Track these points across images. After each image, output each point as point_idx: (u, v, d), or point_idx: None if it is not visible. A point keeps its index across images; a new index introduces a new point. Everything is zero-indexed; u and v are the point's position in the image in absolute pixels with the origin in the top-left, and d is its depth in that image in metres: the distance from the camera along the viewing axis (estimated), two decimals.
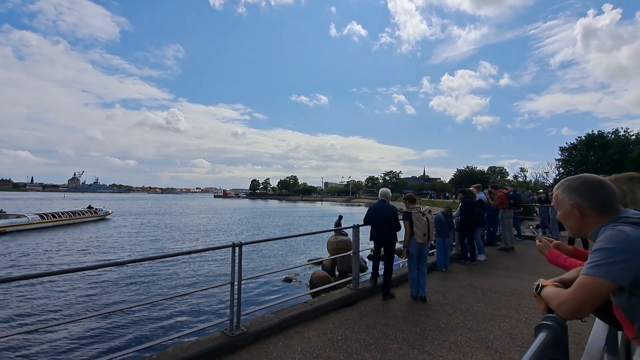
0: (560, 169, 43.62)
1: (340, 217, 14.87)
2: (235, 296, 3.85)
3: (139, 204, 70.26)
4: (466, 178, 64.95)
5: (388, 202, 5.49)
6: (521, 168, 59.43)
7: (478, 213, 7.73)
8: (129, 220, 35.26)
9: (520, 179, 56.32)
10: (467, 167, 75.69)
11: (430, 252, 6.10)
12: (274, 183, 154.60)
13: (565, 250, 1.94)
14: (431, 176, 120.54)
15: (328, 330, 4.11)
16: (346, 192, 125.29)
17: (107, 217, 36.53)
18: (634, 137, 37.65)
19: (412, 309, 4.80)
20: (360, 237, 5.72)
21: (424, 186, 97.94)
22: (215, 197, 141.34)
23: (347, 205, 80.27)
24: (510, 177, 68.62)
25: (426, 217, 5.02)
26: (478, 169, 75.35)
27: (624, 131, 39.18)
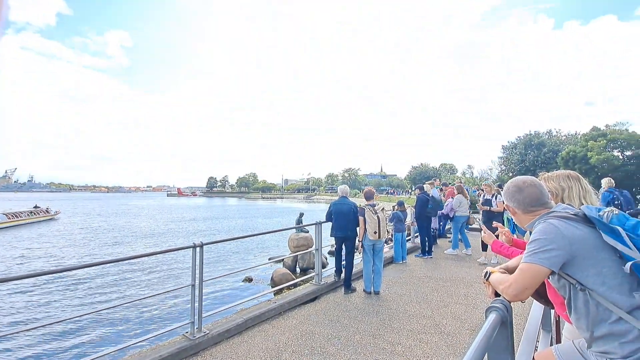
0: (502, 166, 47.58)
1: (301, 215, 14.93)
2: (197, 298, 3.75)
3: (84, 205, 64.57)
4: (420, 174, 68.46)
5: (347, 198, 5.65)
6: (468, 165, 63.92)
7: (432, 208, 8.22)
8: (76, 221, 32.46)
9: (467, 176, 60.64)
10: (421, 163, 79.80)
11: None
12: (232, 180, 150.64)
13: (507, 240, 2.17)
14: (388, 173, 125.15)
15: (292, 327, 4.16)
16: (306, 189, 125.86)
17: (56, 217, 34.76)
18: (564, 137, 42.27)
19: (372, 301, 5.00)
20: (322, 233, 5.84)
21: (381, 182, 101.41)
22: (168, 195, 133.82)
23: (308, 202, 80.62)
24: (459, 174, 73.58)
25: (377, 215, 5.21)
26: (431, 165, 79.74)
27: (556, 132, 43.81)
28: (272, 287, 9.77)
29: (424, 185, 8.62)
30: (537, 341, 2.40)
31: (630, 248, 1.22)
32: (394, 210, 7.95)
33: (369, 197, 5.57)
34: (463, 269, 6.68)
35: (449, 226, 10.23)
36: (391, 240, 8.08)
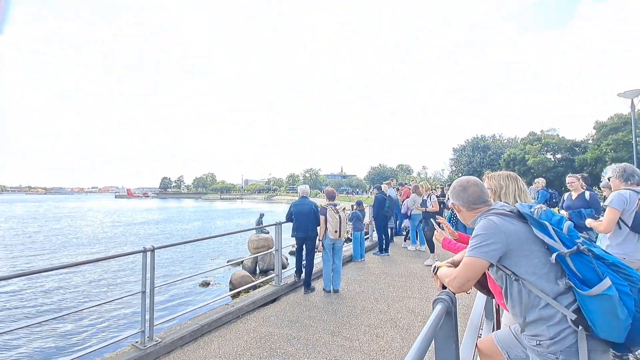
0: (453, 167, 50.75)
1: (262, 215, 14.73)
2: (148, 305, 3.54)
3: (13, 208, 57.88)
4: (379, 175, 70.75)
5: (308, 198, 5.68)
6: (423, 166, 67.36)
7: (389, 207, 8.53)
8: (8, 227, 28.90)
9: (422, 176, 63.85)
10: (380, 164, 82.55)
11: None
12: (188, 181, 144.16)
13: (453, 236, 2.33)
14: (348, 173, 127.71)
15: (251, 329, 4.09)
16: (267, 189, 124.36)
17: None
18: (506, 141, 46.09)
19: (331, 299, 5.07)
20: (282, 234, 5.81)
21: (341, 183, 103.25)
22: (117, 197, 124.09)
23: (269, 202, 79.61)
24: (414, 174, 77.18)
25: (339, 215, 5.32)
26: (389, 166, 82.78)
27: (499, 136, 47.68)
28: (231, 290, 9.52)
29: (382, 185, 8.93)
30: (481, 329, 2.61)
31: (555, 240, 1.37)
32: (353, 209, 8.14)
33: (330, 196, 5.66)
34: (417, 265, 7.01)
35: (404, 224, 10.70)
36: (350, 240, 8.26)
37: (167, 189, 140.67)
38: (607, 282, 1.25)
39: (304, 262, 5.61)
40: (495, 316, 2.41)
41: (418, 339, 1.06)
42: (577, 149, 24.91)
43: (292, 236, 5.60)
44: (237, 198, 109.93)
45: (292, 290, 5.59)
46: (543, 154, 26.13)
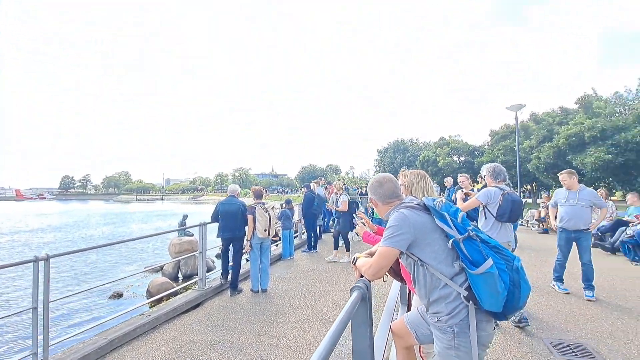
0: (377, 167, 54.30)
1: (185, 217, 13.79)
2: (41, 322, 3.04)
3: None
4: (309, 174, 72.02)
5: (237, 197, 5.51)
6: (351, 166, 70.66)
7: (317, 205, 8.75)
8: None
9: (350, 175, 66.98)
10: (310, 164, 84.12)
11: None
12: (97, 180, 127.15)
13: (372, 229, 2.51)
14: (279, 173, 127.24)
15: (170, 339, 3.80)
16: (192, 189, 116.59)
17: None
18: (421, 144, 50.98)
19: (259, 299, 5.00)
20: (207, 235, 5.52)
21: (272, 182, 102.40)
22: (1, 200, 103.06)
23: (194, 203, 74.67)
24: (342, 174, 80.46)
25: (268, 213, 5.29)
26: (319, 166, 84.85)
27: (416, 139, 52.62)
28: (148, 298, 8.70)
29: (311, 184, 9.11)
30: (397, 313, 2.86)
31: (452, 228, 1.57)
32: (282, 208, 8.14)
33: (258, 195, 5.56)
34: (345, 259, 7.33)
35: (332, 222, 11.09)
36: (279, 239, 8.25)
37: (70, 190, 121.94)
38: (489, 262, 1.48)
39: (230, 264, 5.42)
40: (408, 300, 2.67)
41: (334, 323, 1.12)
42: (476, 152, 28.91)
43: (217, 237, 5.37)
44: (157, 199, 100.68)
45: (218, 293, 5.36)
46: (450, 157, 29.67)
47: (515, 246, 4.54)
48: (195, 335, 3.88)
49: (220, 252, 5.96)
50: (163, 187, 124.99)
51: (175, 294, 5.52)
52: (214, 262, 11.72)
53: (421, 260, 1.61)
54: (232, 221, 5.22)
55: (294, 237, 8.71)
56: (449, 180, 8.69)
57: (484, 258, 1.50)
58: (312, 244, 8.34)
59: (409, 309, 2.59)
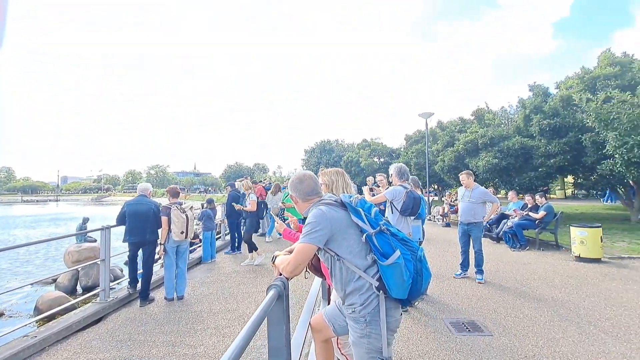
0: (304, 166, 55.12)
1: (86, 220, 12.06)
2: None
3: None
4: (235, 173, 69.50)
5: (148, 197, 5.00)
6: (278, 165, 70.35)
7: (242, 205, 8.47)
8: None
9: (277, 175, 66.73)
10: (237, 162, 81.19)
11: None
12: None
13: (296, 227, 2.52)
14: (202, 171, 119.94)
15: None
16: (97, 188, 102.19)
17: None
18: (346, 145, 53.46)
19: (174, 307, 4.63)
20: (113, 241, 4.90)
21: (194, 181, 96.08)
22: None
23: (99, 204, 65.48)
24: (270, 173, 79.72)
25: (186, 214, 4.92)
26: (245, 165, 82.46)
27: (341, 141, 55.05)
28: (36, 317, 7.34)
29: (235, 183, 8.78)
30: (318, 308, 2.92)
31: (365, 223, 1.66)
32: (203, 208, 7.68)
33: (174, 194, 5.12)
34: (267, 259, 7.24)
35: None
36: (200, 241, 7.76)
37: None
38: (397, 253, 1.60)
39: (140, 271, 4.90)
40: (328, 295, 2.75)
41: (247, 324, 1.08)
42: (394, 154, 31.49)
43: (124, 241, 4.80)
44: (50, 200, 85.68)
45: (125, 305, 4.80)
46: (372, 158, 31.78)
47: (423, 239, 5.06)
48: (95, 354, 3.40)
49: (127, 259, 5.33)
50: (58, 186, 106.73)
51: (72, 308, 4.76)
52: (122, 271, 10.46)
53: (337, 255, 1.67)
54: (141, 223, 4.72)
55: (217, 239, 8.30)
56: (370, 180, 9.27)
57: (392, 250, 1.62)
58: (236, 244, 8.05)
59: (329, 304, 2.67)
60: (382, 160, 32.29)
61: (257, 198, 9.70)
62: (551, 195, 25.55)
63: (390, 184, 5.30)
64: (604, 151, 9.28)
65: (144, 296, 4.75)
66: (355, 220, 1.66)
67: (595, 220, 9.30)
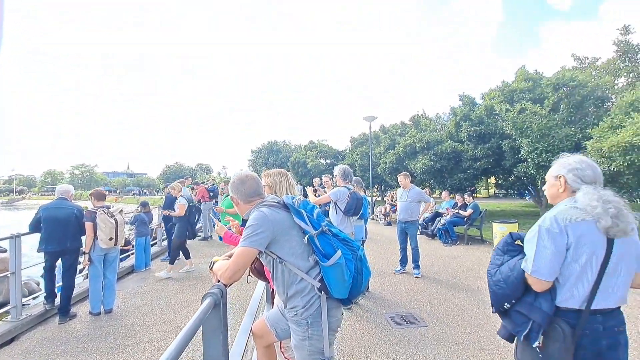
0: (251, 167, 53.91)
1: None
2: None
3: None
4: (174, 174, 65.24)
5: (69, 200, 4.45)
6: (223, 166, 67.81)
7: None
8: None
9: (222, 175, 64.26)
10: (177, 162, 76.24)
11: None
12: None
13: (237, 230, 2.43)
14: (136, 171, 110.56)
15: None
16: (8, 190, 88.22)
17: None
18: (293, 146, 53.50)
19: (101, 322, 4.18)
20: (27, 250, 4.27)
21: (127, 182, 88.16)
22: None
23: (10, 209, 56.48)
24: (214, 174, 76.40)
25: (115, 219, 4.46)
26: (187, 165, 77.87)
27: (288, 142, 54.95)
28: None
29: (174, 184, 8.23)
30: (262, 313, 2.86)
31: (308, 225, 1.66)
32: (137, 212, 7.08)
33: (99, 197, 4.61)
34: (205, 265, 6.91)
35: (200, 225, 10.35)
36: (132, 247, 7.14)
37: None
38: (338, 253, 1.63)
39: (59, 284, 4.34)
40: (272, 299, 2.70)
41: (179, 335, 1.01)
42: (339, 156, 32.31)
43: (39, 251, 4.22)
44: None
45: (42, 322, 4.21)
46: (318, 159, 32.21)
47: (366, 238, 5.25)
48: None
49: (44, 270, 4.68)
50: None
51: None
52: (39, 284, 9.19)
53: (280, 258, 1.65)
54: (60, 230, 4.18)
55: (152, 245, 7.70)
56: (317, 180, 9.36)
57: (334, 250, 1.64)
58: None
59: (273, 307, 2.63)
60: (328, 161, 32.92)
61: (200, 201, 9.26)
62: (477, 195, 28.35)
63: (335, 185, 5.41)
64: (519, 155, 10.56)
65: (64, 312, 4.21)
66: (298, 221, 1.66)
67: (513, 217, 10.51)
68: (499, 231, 7.45)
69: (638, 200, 9.63)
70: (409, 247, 5.86)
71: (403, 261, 5.94)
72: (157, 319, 4.22)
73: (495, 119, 12.47)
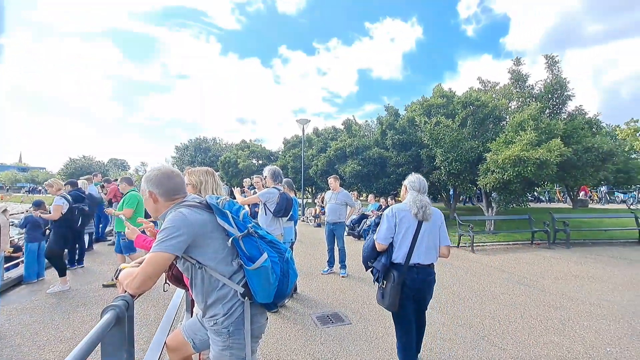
0: (175, 165, 50.08)
1: None
2: None
3: None
4: (81, 169, 57.08)
5: None
6: (142, 162, 61.72)
7: (90, 207, 6.98)
8: None
9: (140, 173, 58.25)
10: (84, 156, 66.69)
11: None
12: None
13: (152, 234, 2.20)
14: (32, 165, 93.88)
15: None
16: None
17: None
18: (224, 145, 51.20)
19: None
20: None
21: (19, 177, 74.29)
22: None
23: None
24: (131, 171, 68.98)
25: None
26: (97, 159, 68.74)
27: (219, 140, 52.38)
28: None
29: (78, 181, 7.21)
30: (181, 323, 2.63)
31: (232, 226, 1.57)
32: (28, 212, 5.99)
33: None
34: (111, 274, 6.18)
35: (110, 228, 9.23)
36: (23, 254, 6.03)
37: None
38: (264, 256, 1.57)
39: None
40: (191, 308, 2.51)
41: (70, 356, 0.85)
42: (272, 157, 31.98)
43: None
44: None
45: None
46: (250, 160, 31.41)
47: (295, 239, 5.26)
48: None
49: None
50: None
51: None
52: None
53: (199, 263, 1.53)
54: None
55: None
56: (247, 181, 9.09)
57: (260, 253, 1.58)
58: (77, 257, 6.57)
59: (192, 316, 2.44)
60: (260, 162, 32.32)
61: (111, 200, 8.21)
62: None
63: (266, 186, 5.32)
64: (434, 163, 11.74)
65: None
66: (222, 223, 1.56)
67: None
68: None
69: (523, 205, 11.47)
70: (336, 248, 6.04)
71: (331, 262, 6.10)
72: (51, 337, 3.60)
73: (415, 130, 13.67)
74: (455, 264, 6.93)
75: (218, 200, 1.64)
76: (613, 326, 3.88)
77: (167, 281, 2.01)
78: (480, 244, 8.98)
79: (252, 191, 5.95)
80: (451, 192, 15.15)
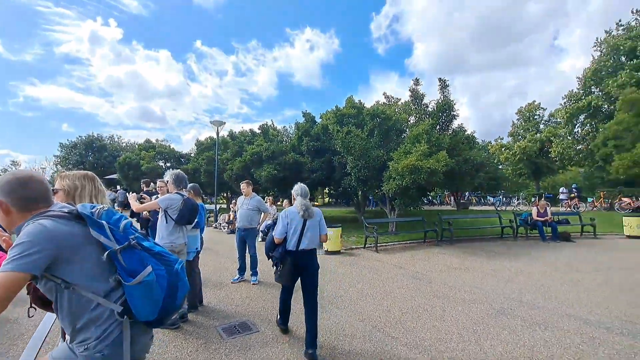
0: (59, 165, 42.57)
1: None
2: None
3: None
4: None
5: None
6: (13, 161, 50.84)
7: None
8: None
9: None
10: None
11: None
12: None
13: (7, 246, 1.83)
14: None
15: None
16: None
17: None
18: (124, 144, 45.47)
19: None
20: None
21: None
22: None
23: None
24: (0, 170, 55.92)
25: None
26: None
27: (118, 138, 46.29)
28: None
29: None
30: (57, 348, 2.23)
31: (110, 239, 1.41)
32: None
33: None
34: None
35: None
36: None
37: None
38: (148, 269, 1.45)
39: None
40: (63, 332, 2.16)
41: None
42: (182, 159, 29.67)
43: None
44: None
45: None
46: (156, 161, 28.55)
47: (201, 248, 4.98)
48: None
49: None
50: None
51: None
52: None
53: (66, 282, 1.33)
54: None
55: None
56: (144, 185, 8.23)
57: (143, 266, 1.45)
58: None
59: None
60: (168, 164, 29.67)
61: None
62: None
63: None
64: (346, 170, 12.49)
65: None
66: (97, 235, 1.39)
67: (339, 222, 12.28)
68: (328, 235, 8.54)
69: (419, 207, 13.04)
70: (248, 255, 5.91)
71: (241, 270, 5.94)
72: None
73: (329, 137, 14.35)
74: (362, 263, 7.46)
75: (93, 210, 1.46)
76: (479, 308, 4.68)
77: (32, 305, 1.70)
78: (384, 244, 9.85)
79: (155, 197, 5.42)
80: (359, 198, 16.28)
